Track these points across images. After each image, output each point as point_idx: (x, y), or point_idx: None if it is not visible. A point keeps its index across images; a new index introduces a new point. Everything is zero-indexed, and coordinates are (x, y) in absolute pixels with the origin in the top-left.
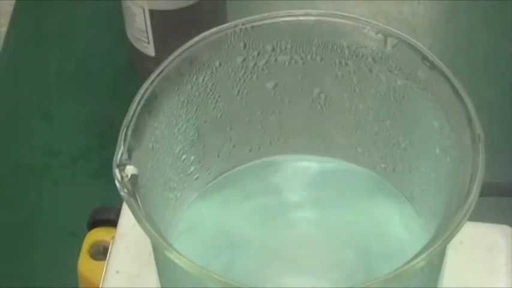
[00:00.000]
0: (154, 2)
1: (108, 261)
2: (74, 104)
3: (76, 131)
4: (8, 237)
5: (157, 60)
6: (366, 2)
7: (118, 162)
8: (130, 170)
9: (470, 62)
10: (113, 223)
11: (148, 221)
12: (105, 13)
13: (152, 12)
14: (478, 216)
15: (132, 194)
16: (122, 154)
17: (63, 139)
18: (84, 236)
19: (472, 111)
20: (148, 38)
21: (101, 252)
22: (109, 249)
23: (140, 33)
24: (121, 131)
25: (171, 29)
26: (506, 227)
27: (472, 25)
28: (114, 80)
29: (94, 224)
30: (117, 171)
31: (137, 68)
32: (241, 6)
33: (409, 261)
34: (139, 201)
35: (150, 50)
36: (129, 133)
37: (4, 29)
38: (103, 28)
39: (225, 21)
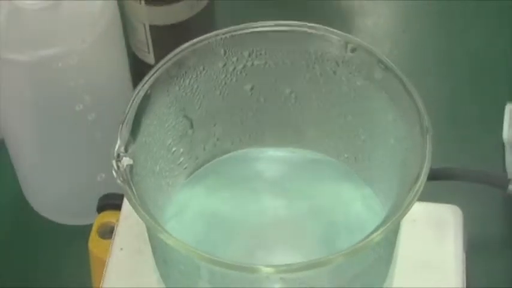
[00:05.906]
0: (153, 19)
1: (113, 240)
2: None
3: None
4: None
5: None
6: None
7: (115, 154)
8: (126, 161)
9: (423, 65)
10: (118, 207)
11: (141, 205)
12: None
13: (152, 27)
14: (431, 197)
15: (127, 182)
16: (118, 147)
17: None
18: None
19: (421, 107)
20: (148, 49)
21: (108, 232)
22: (114, 230)
23: (141, 44)
24: (118, 127)
25: (168, 40)
26: (455, 207)
27: (425, 34)
28: None
29: (102, 208)
30: (114, 162)
31: (139, 74)
32: (228, 23)
33: (367, 236)
34: (133, 188)
35: (150, 59)
36: (124, 129)
37: None
38: None
39: None
